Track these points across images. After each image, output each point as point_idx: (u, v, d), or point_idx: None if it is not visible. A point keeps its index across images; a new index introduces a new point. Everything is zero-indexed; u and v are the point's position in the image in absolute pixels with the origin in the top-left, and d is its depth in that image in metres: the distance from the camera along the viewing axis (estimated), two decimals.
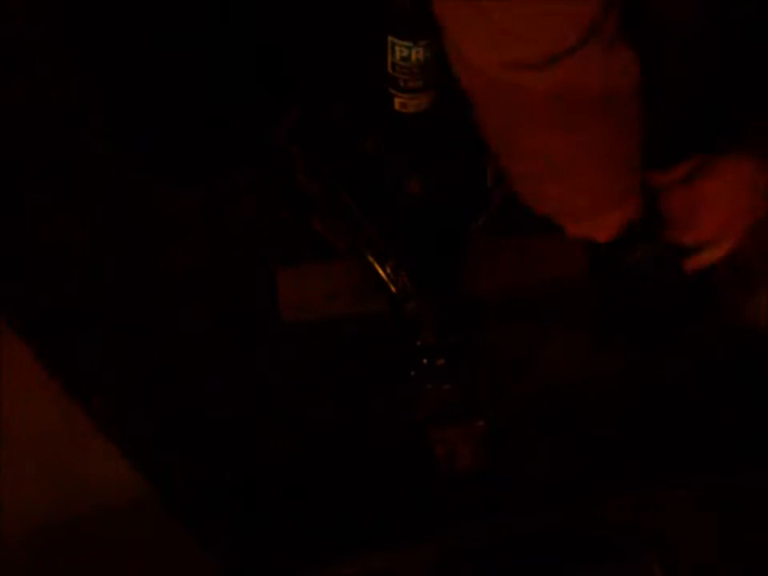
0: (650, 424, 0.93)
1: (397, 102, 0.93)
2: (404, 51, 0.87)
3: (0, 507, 0.91)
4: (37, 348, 0.94)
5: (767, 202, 0.80)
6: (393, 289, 0.92)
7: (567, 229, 0.81)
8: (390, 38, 0.88)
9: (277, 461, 0.92)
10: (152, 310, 0.96)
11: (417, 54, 0.87)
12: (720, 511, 0.92)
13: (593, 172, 0.72)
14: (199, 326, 0.95)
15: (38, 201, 0.98)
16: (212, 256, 0.97)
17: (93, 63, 1.00)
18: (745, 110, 0.81)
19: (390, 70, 0.90)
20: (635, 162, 0.74)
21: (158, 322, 0.96)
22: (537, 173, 0.73)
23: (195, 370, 0.95)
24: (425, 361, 0.91)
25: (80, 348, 0.94)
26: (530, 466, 0.92)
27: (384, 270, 0.92)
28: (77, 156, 1.00)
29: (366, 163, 0.96)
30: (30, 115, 1.01)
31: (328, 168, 0.96)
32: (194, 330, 0.95)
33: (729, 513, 0.92)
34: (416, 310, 0.91)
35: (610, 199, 0.76)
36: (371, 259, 0.92)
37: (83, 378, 0.93)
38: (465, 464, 0.91)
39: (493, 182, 0.94)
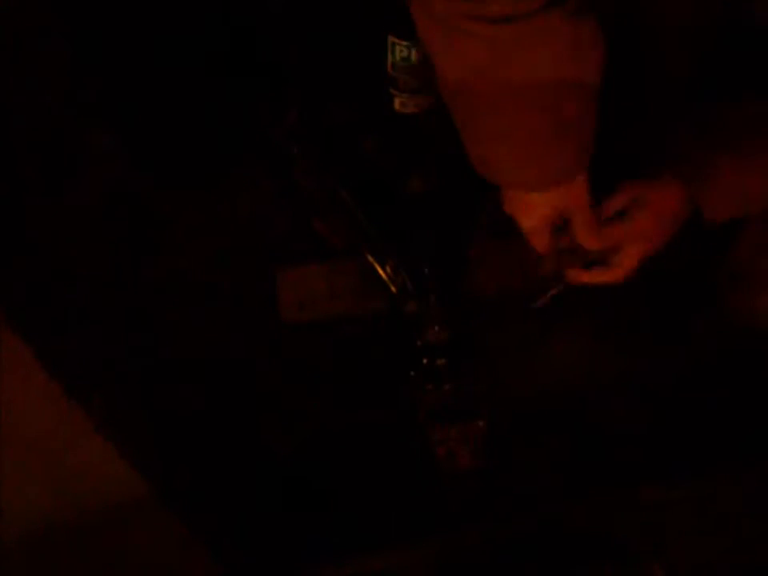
0: (650, 424, 0.93)
1: (397, 101, 0.93)
2: (404, 51, 0.87)
3: (0, 507, 0.91)
4: (37, 348, 0.94)
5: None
6: (393, 289, 0.92)
7: (510, 206, 0.80)
8: (390, 38, 0.88)
9: (277, 461, 0.92)
10: (152, 310, 0.96)
11: (417, 53, 0.87)
12: (720, 511, 0.92)
13: (548, 141, 0.70)
14: (199, 326, 0.95)
15: (37, 201, 0.98)
16: (212, 256, 0.97)
17: (94, 64, 1.00)
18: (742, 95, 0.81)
19: (390, 69, 0.90)
20: (588, 142, 0.73)
21: (158, 322, 0.96)
22: (489, 132, 0.71)
23: (195, 369, 0.95)
24: (425, 361, 0.91)
25: (80, 348, 0.94)
26: (530, 465, 0.92)
27: (384, 270, 0.92)
28: (77, 156, 1.00)
29: (365, 163, 0.96)
30: (30, 115, 1.00)
31: (328, 168, 0.96)
32: (193, 330, 0.95)
33: (729, 513, 0.92)
34: (416, 310, 0.91)
35: (558, 172, 0.74)
36: (371, 259, 0.92)
37: (83, 378, 0.93)
38: (465, 464, 0.91)
39: None
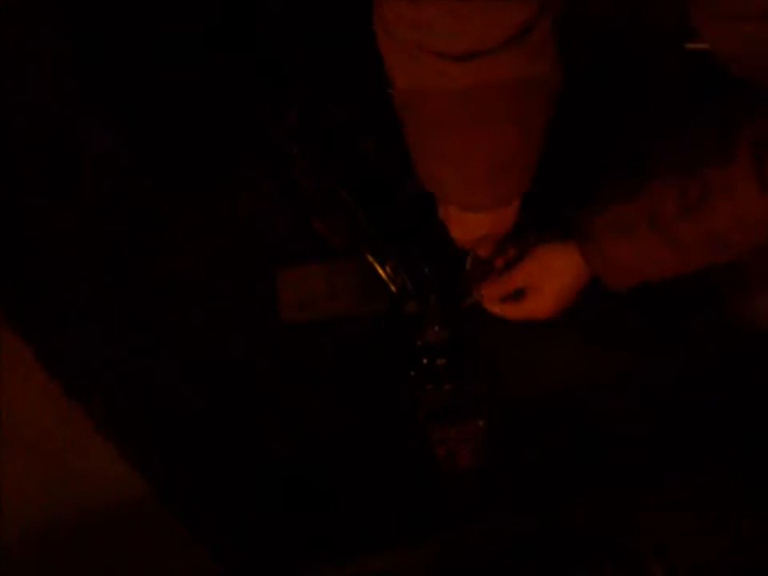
0: (650, 424, 0.93)
1: None
2: None
3: (0, 507, 0.91)
4: (37, 348, 0.94)
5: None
6: (393, 289, 0.92)
7: (445, 216, 0.82)
8: None
9: (277, 461, 0.92)
10: (152, 310, 0.96)
11: None
12: (720, 511, 0.92)
13: (489, 168, 0.71)
14: (199, 326, 0.95)
15: (37, 201, 0.98)
16: (212, 256, 0.97)
17: (94, 64, 1.00)
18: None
19: None
20: (529, 171, 0.74)
21: (158, 322, 0.96)
22: (434, 151, 0.72)
23: (195, 369, 0.95)
24: (425, 361, 0.91)
25: (80, 348, 0.94)
26: (530, 465, 0.92)
27: (384, 270, 0.92)
28: (77, 156, 1.00)
29: (365, 163, 0.96)
30: (30, 115, 1.00)
31: (328, 168, 0.96)
32: (193, 330, 0.95)
33: (729, 512, 0.92)
34: (416, 310, 0.91)
35: (496, 198, 0.76)
36: (371, 259, 0.92)
37: (83, 378, 0.93)
38: (465, 463, 0.91)
39: None
